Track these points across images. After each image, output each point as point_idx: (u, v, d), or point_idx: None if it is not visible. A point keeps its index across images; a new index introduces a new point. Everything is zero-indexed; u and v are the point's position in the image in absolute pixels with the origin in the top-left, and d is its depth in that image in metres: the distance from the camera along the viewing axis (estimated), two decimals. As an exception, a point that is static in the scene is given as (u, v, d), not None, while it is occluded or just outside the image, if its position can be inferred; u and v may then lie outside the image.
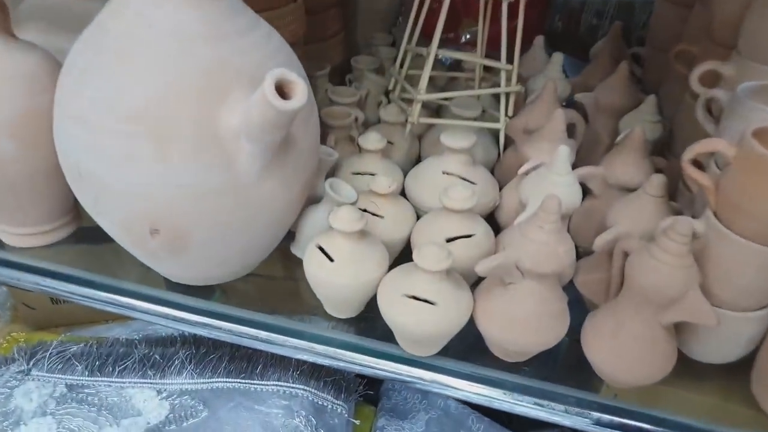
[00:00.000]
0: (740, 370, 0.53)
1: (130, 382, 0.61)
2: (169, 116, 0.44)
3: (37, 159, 0.54)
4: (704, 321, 0.45)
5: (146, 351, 0.65)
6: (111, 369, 0.62)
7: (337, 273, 0.52)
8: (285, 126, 0.44)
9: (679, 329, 0.51)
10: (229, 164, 0.46)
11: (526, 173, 0.60)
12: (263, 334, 0.56)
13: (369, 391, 0.68)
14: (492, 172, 0.73)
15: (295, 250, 0.62)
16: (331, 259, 0.52)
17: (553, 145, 0.60)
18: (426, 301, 0.49)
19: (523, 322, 0.49)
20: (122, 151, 0.45)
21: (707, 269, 0.47)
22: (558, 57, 0.78)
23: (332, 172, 0.67)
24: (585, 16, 1.04)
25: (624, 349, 0.49)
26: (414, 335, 0.50)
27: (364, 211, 0.59)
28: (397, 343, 0.55)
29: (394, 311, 0.50)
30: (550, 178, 0.54)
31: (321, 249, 0.53)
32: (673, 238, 0.44)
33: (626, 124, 0.69)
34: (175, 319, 0.58)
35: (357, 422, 0.64)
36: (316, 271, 0.52)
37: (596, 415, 0.51)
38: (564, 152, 0.53)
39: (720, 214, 0.47)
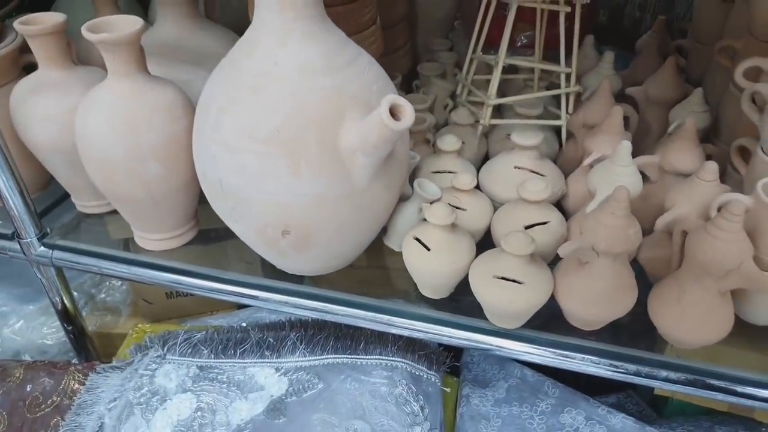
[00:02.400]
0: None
1: (251, 362, 0.72)
2: (298, 137, 0.54)
3: (176, 177, 0.65)
4: (758, 287, 0.53)
5: (260, 335, 0.75)
6: (233, 352, 0.73)
7: (434, 260, 0.61)
8: (395, 142, 0.54)
9: (734, 294, 0.59)
10: (347, 175, 0.56)
11: (591, 165, 0.68)
12: (368, 314, 0.66)
13: (456, 363, 0.77)
14: (554, 163, 0.81)
15: (388, 242, 0.71)
16: (428, 248, 0.61)
17: (612, 138, 0.68)
18: (515, 281, 0.58)
19: (599, 296, 0.58)
20: (259, 168, 0.55)
21: (759, 240, 0.55)
22: (609, 55, 0.86)
23: (414, 173, 0.76)
24: (628, 10, 1.11)
25: (687, 314, 0.57)
26: (506, 311, 0.59)
27: (449, 205, 0.68)
28: (481, 318, 0.63)
29: (487, 291, 0.59)
30: (614, 169, 0.62)
31: (418, 240, 0.62)
32: (727, 218, 0.52)
33: (676, 115, 0.76)
34: (294, 305, 0.68)
35: (447, 390, 0.73)
36: (415, 259, 0.62)
37: (664, 373, 0.59)
38: (626, 146, 0.61)
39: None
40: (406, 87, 0.94)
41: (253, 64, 0.55)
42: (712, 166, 0.60)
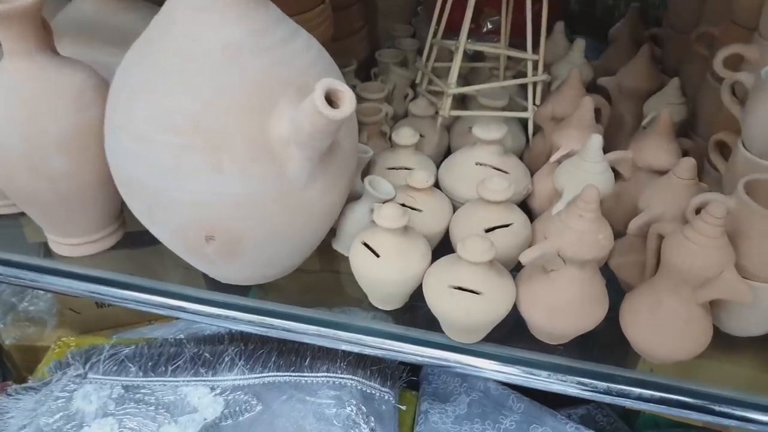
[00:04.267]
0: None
1: (183, 381, 0.64)
2: (221, 128, 0.46)
3: (87, 172, 0.57)
4: (740, 298, 0.47)
5: (196, 349, 0.67)
6: (164, 369, 0.65)
7: (384, 268, 0.54)
8: (334, 133, 0.46)
9: (713, 303, 0.53)
10: (280, 171, 0.48)
11: (558, 161, 0.62)
12: (312, 328, 0.59)
13: (413, 378, 0.71)
14: (521, 158, 0.75)
15: (337, 246, 0.64)
16: (377, 255, 0.54)
17: (582, 132, 0.62)
18: (472, 291, 0.52)
19: (565, 307, 0.51)
20: (177, 163, 0.47)
21: (740, 244, 0.49)
22: (580, 43, 0.79)
23: (367, 169, 0.69)
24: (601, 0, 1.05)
25: (662, 326, 0.51)
26: (462, 324, 0.53)
27: (403, 205, 0.61)
28: (439, 331, 0.57)
29: (441, 302, 0.52)
30: (583, 165, 0.56)
31: (366, 245, 0.55)
32: (707, 221, 0.46)
33: (650, 108, 0.70)
34: (225, 318, 0.60)
35: (403, 408, 0.66)
36: (363, 267, 0.55)
37: (637, 391, 0.54)
38: (597, 141, 0.55)
39: (749, 191, 0.49)
40: (363, 75, 0.87)
41: (169, 43, 0.48)
42: (689, 163, 0.54)
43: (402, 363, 0.71)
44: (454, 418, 0.71)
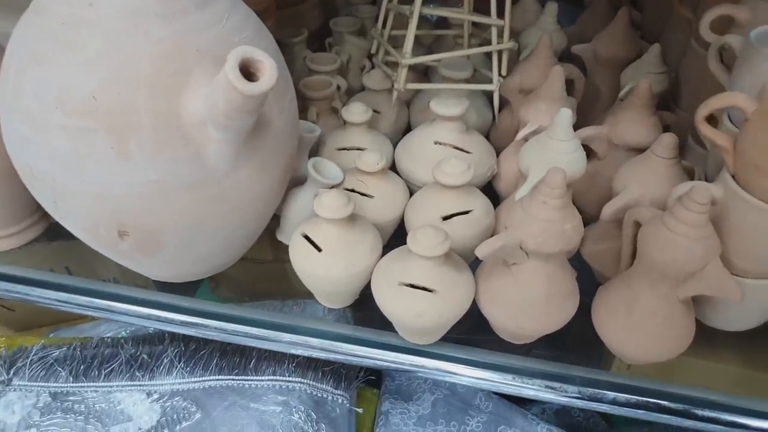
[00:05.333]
0: (763, 334, 0.51)
1: (117, 386, 0.58)
2: (123, 107, 0.39)
3: (-12, 160, 0.49)
4: (727, 295, 0.41)
5: (133, 351, 0.61)
6: (97, 373, 0.59)
7: (326, 264, 0.48)
8: (254, 110, 0.40)
9: (696, 297, 0.47)
10: (197, 155, 0.41)
11: (525, 139, 0.55)
12: (255, 330, 0.53)
13: (371, 377, 0.65)
14: (487, 136, 0.68)
15: (281, 236, 0.58)
16: (319, 249, 0.48)
17: (551, 106, 0.56)
18: (424, 288, 0.45)
19: (529, 305, 0.46)
20: (76, 149, 0.40)
21: (726, 236, 0.44)
22: (552, 7, 0.72)
23: (316, 149, 0.62)
24: (577, -41, 0.97)
25: (640, 326, 0.45)
26: (414, 326, 0.47)
27: (352, 191, 0.55)
28: (395, 331, 0.51)
29: (390, 302, 0.46)
30: (551, 144, 0.50)
31: (307, 238, 0.49)
32: (691, 208, 0.40)
33: (628, 77, 0.64)
34: (159, 319, 0.54)
35: (360, 411, 0.61)
36: (303, 263, 0.49)
37: (611, 395, 0.48)
38: (565, 115, 0.49)
39: (739, 176, 0.43)
40: (317, 45, 0.79)
41: (61, 7, 0.40)
42: (670, 140, 0.48)
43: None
44: (416, 419, 0.66)
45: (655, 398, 0.48)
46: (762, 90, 0.40)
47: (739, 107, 0.42)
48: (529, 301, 0.45)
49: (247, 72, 0.38)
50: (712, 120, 0.54)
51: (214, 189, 0.43)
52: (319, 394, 0.58)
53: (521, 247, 0.44)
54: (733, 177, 0.43)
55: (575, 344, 0.52)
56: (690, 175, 0.51)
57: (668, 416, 0.48)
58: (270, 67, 0.38)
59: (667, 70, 0.64)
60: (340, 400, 0.59)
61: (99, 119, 0.39)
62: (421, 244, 0.44)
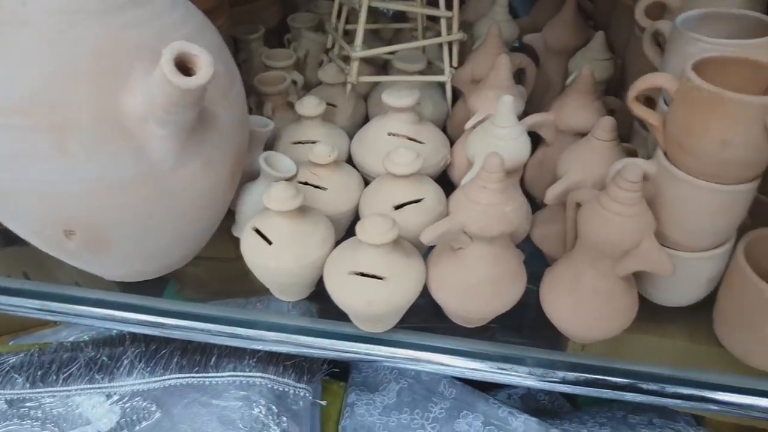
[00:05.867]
0: (706, 308, 0.52)
1: (76, 390, 0.58)
2: (62, 104, 0.40)
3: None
4: (660, 270, 0.42)
5: (93, 353, 0.61)
6: (55, 377, 0.59)
7: (276, 257, 0.48)
8: (194, 104, 0.40)
9: (638, 274, 0.49)
10: (140, 152, 0.42)
11: (474, 127, 0.57)
12: (213, 327, 0.53)
13: (335, 369, 0.66)
14: (444, 126, 0.69)
15: (236, 231, 0.58)
16: (270, 242, 0.49)
17: (499, 94, 0.56)
18: (374, 276, 0.46)
19: (476, 288, 0.47)
20: (14, 148, 0.40)
21: (660, 212, 0.45)
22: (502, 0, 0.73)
23: (272, 143, 0.63)
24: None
25: (582, 303, 0.46)
26: (365, 314, 0.47)
27: (306, 183, 0.56)
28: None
29: (341, 291, 0.47)
30: (495, 131, 0.51)
31: (258, 231, 0.50)
32: (622, 186, 0.42)
33: (575, 65, 0.65)
34: (117, 320, 0.54)
35: (323, 403, 0.61)
36: (254, 257, 0.49)
37: (561, 374, 0.50)
38: (506, 102, 0.50)
39: (669, 153, 0.44)
40: (276, 41, 0.80)
41: (-6, 8, 0.40)
42: (608, 123, 0.49)
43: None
44: (381, 408, 0.66)
45: (603, 375, 0.49)
46: (683, 71, 0.41)
47: (663, 88, 0.43)
48: (474, 284, 0.46)
49: (184, 67, 0.38)
50: (653, 105, 0.56)
51: (160, 185, 0.44)
52: (280, 388, 0.58)
53: (465, 232, 0.45)
54: (665, 154, 0.45)
55: (534, 326, 0.53)
56: (632, 157, 0.53)
57: (616, 392, 0.49)
58: (206, 62, 0.38)
59: (613, 56, 0.66)
60: (302, 393, 0.59)
61: (38, 117, 0.40)
62: (369, 233, 0.45)
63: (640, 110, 0.45)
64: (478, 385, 0.69)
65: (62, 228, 0.44)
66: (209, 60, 0.38)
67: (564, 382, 0.50)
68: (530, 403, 0.74)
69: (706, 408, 0.49)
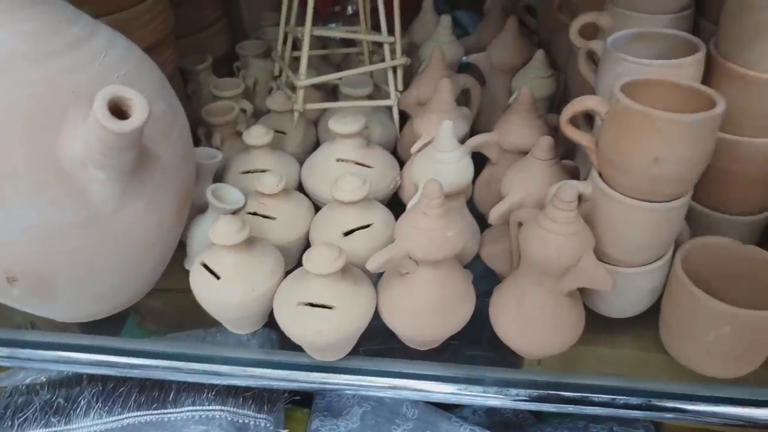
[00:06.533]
0: (652, 318, 0.54)
1: (33, 434, 0.57)
2: (2, 156, 0.39)
3: None
4: (600, 286, 0.44)
5: (49, 396, 0.60)
6: (9, 423, 0.58)
7: (225, 291, 0.48)
8: (131, 147, 0.40)
9: (586, 288, 0.50)
10: (80, 196, 0.42)
11: (420, 150, 0.57)
12: (169, 363, 0.53)
13: (296, 397, 0.65)
14: (395, 149, 0.70)
15: (187, 264, 0.58)
16: (218, 277, 0.49)
17: (442, 117, 0.58)
18: (323, 306, 0.47)
19: (424, 311, 0.47)
20: (-48, 199, 0.40)
21: (598, 230, 0.47)
22: (446, 20, 0.75)
23: (222, 174, 0.63)
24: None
25: (529, 321, 0.47)
26: (316, 344, 0.48)
27: (255, 214, 0.56)
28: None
29: (290, 322, 0.47)
30: (437, 155, 0.52)
31: (206, 266, 0.50)
32: (558, 206, 0.43)
33: (518, 83, 0.67)
34: (69, 361, 0.54)
35: (285, 431, 0.61)
36: (203, 293, 0.49)
37: (514, 391, 0.50)
38: (446, 128, 0.51)
39: (603, 172, 0.46)
40: (225, 70, 0.80)
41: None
42: (546, 142, 0.51)
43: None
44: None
45: (556, 390, 0.50)
46: (612, 92, 0.43)
47: (594, 110, 0.44)
48: (423, 308, 0.47)
49: (119, 110, 0.38)
50: (592, 119, 0.58)
51: (102, 228, 0.44)
52: (240, 420, 0.58)
53: (410, 257, 0.45)
54: (600, 174, 0.46)
55: (493, 343, 0.53)
56: (573, 174, 0.54)
57: (569, 406, 0.50)
58: (140, 105, 0.38)
59: (555, 73, 0.68)
60: (263, 424, 0.59)
61: (-25, 170, 0.39)
62: (315, 263, 0.46)
63: (572, 133, 0.47)
64: (442, 403, 0.69)
65: (4, 275, 0.43)
66: (144, 103, 0.38)
67: (518, 399, 0.50)
68: (495, 417, 0.75)
69: (657, 416, 0.51)
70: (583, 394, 0.50)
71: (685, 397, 0.49)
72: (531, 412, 0.76)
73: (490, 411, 0.76)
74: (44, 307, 0.49)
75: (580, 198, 0.46)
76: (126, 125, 0.38)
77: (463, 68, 0.80)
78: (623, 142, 0.43)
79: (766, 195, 0.53)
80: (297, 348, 0.51)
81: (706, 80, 0.50)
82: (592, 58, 0.57)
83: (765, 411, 0.48)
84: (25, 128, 0.40)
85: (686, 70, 0.47)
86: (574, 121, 0.48)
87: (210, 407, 0.58)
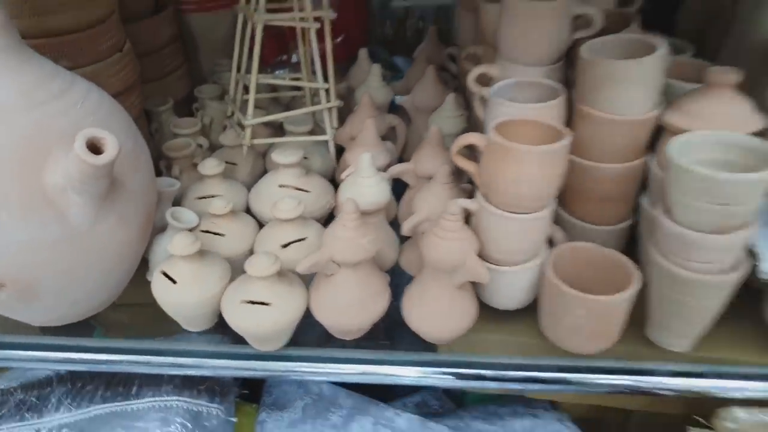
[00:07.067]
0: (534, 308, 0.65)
1: (7, 428, 0.65)
2: (-4, 184, 0.49)
3: None
4: (480, 280, 0.56)
5: (22, 396, 0.68)
6: (-13, 421, 0.66)
7: (180, 293, 0.59)
8: (105, 176, 0.51)
9: (481, 285, 0.62)
10: (62, 217, 0.52)
11: (347, 176, 0.69)
12: (125, 357, 0.62)
13: (245, 391, 0.75)
14: (333, 176, 0.82)
15: (150, 276, 0.68)
16: (174, 282, 0.59)
17: (367, 150, 0.70)
18: (262, 303, 0.57)
19: (345, 306, 0.58)
20: (-45, 219, 0.50)
21: (482, 236, 0.59)
22: (376, 68, 0.88)
23: (180, 199, 0.73)
24: (410, 22, 1.15)
25: (429, 310, 0.59)
26: (257, 334, 0.58)
27: (207, 231, 0.66)
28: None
29: (234, 317, 0.57)
30: (358, 180, 0.64)
31: (165, 274, 0.60)
32: (447, 218, 0.55)
33: (433, 121, 0.80)
34: (44, 360, 0.63)
35: (234, 420, 0.71)
36: (162, 295, 0.59)
37: (430, 369, 0.61)
38: (365, 159, 0.63)
39: (483, 192, 0.58)
40: (186, 110, 0.91)
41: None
42: (445, 169, 0.63)
43: (236, 378, 0.75)
44: (288, 422, 0.76)
45: (458, 368, 0.61)
46: (488, 131, 0.55)
47: (475, 144, 0.57)
48: (345, 303, 0.58)
49: (95, 147, 0.49)
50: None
51: (79, 243, 0.54)
52: (195, 408, 0.67)
53: (333, 261, 0.57)
54: (482, 194, 0.59)
55: (404, 332, 0.64)
56: (469, 195, 0.67)
57: (468, 381, 0.62)
58: (111, 143, 0.49)
59: (464, 113, 0.81)
60: (215, 412, 0.69)
61: (-27, 194, 0.49)
62: (255, 267, 0.56)
63: (460, 162, 0.59)
64: (377, 396, 0.80)
65: (-5, 281, 0.53)
66: (114, 141, 0.49)
67: (434, 376, 0.61)
68: (423, 409, 0.85)
69: (539, 389, 0.62)
70: (479, 371, 0.61)
71: (560, 369, 0.61)
72: (452, 399, 0.87)
73: (420, 403, 0.87)
74: (25, 310, 0.59)
75: (469, 212, 0.58)
76: (100, 159, 0.48)
77: (394, 107, 0.93)
78: (494, 168, 0.55)
79: (619, 210, 0.66)
80: (243, 342, 0.62)
81: (569, 119, 0.63)
82: (484, 102, 0.70)
83: (628, 377, 0.60)
84: (17, 164, 0.50)
85: (550, 111, 0.60)
86: (464, 152, 0.61)
87: (168, 398, 0.67)
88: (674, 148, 0.53)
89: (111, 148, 0.49)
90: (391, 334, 0.64)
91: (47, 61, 0.56)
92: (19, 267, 0.52)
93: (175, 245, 0.58)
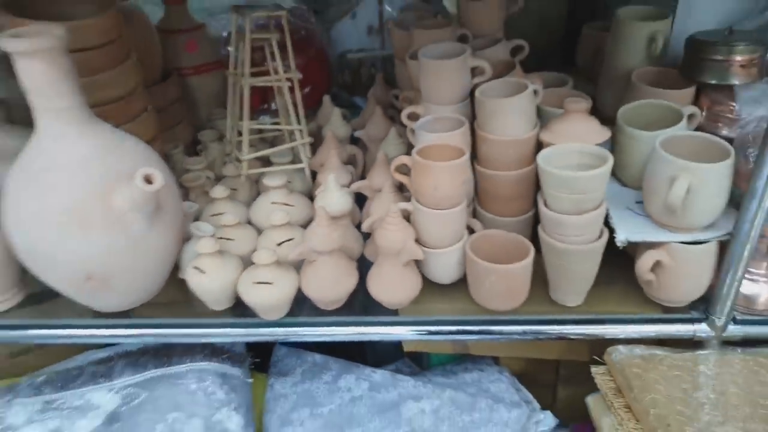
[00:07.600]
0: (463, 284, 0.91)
1: (88, 389, 0.88)
2: (85, 210, 0.74)
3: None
4: (417, 257, 0.81)
5: (94, 369, 0.92)
6: (73, 383, 0.89)
7: (207, 280, 0.83)
8: (155, 200, 0.76)
9: (423, 263, 0.87)
10: (127, 230, 0.76)
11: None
12: (165, 331, 0.86)
13: (256, 359, 1.00)
14: (311, 194, 1.08)
15: (181, 274, 0.93)
16: (203, 272, 0.84)
17: (333, 172, 0.96)
18: (266, 283, 0.82)
19: (325, 282, 0.83)
20: (61, 235, 0.74)
21: (418, 228, 0.84)
22: (337, 111, 1.14)
23: (198, 217, 0.98)
24: (363, 69, 1.43)
25: (383, 283, 0.84)
26: (263, 306, 0.83)
27: (221, 238, 0.91)
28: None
29: (247, 293, 0.82)
30: (328, 195, 0.89)
31: (196, 268, 0.85)
32: (390, 215, 0.81)
33: (382, 148, 1.06)
34: (119, 336, 0.87)
35: (251, 380, 0.95)
36: (194, 282, 0.84)
37: (396, 328, 0.86)
38: (330, 179, 0.89)
39: (415, 196, 0.85)
40: (192, 151, 1.17)
41: (41, 157, 0.75)
42: (390, 183, 0.90)
43: (249, 350, 1.00)
44: (291, 383, 1.00)
45: (413, 326, 0.86)
46: (413, 153, 0.82)
47: (406, 163, 0.83)
48: (324, 280, 0.83)
49: (147, 180, 0.74)
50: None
51: (139, 247, 0.78)
52: (221, 371, 0.92)
53: (313, 250, 0.82)
54: (415, 198, 0.85)
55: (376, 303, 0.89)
56: (407, 200, 0.93)
57: (422, 336, 0.86)
58: (159, 176, 0.74)
59: (405, 140, 1.07)
60: (236, 373, 0.93)
61: (73, 218, 0.74)
62: (260, 257, 0.82)
63: (398, 176, 0.85)
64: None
65: (85, 275, 0.77)
66: (161, 175, 0.74)
67: (389, 333, 0.86)
68: (404, 372, 1.09)
69: (471, 339, 0.88)
70: (432, 327, 0.86)
71: (488, 323, 0.86)
72: (414, 361, 1.12)
73: (395, 371, 1.11)
74: (102, 298, 0.83)
75: (408, 211, 0.84)
76: (153, 188, 0.73)
77: (354, 139, 1.19)
78: (418, 179, 0.81)
79: (521, 205, 0.91)
80: (254, 315, 0.86)
81: (474, 142, 0.90)
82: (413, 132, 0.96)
83: (536, 326, 0.85)
84: (98, 195, 0.75)
85: (458, 137, 0.87)
86: (401, 169, 0.87)
87: (201, 363, 0.91)
88: (542, 157, 0.80)
89: (159, 180, 0.74)
90: (362, 305, 0.89)
91: (106, 124, 0.81)
92: (100, 266, 0.77)
93: (202, 246, 0.83)
